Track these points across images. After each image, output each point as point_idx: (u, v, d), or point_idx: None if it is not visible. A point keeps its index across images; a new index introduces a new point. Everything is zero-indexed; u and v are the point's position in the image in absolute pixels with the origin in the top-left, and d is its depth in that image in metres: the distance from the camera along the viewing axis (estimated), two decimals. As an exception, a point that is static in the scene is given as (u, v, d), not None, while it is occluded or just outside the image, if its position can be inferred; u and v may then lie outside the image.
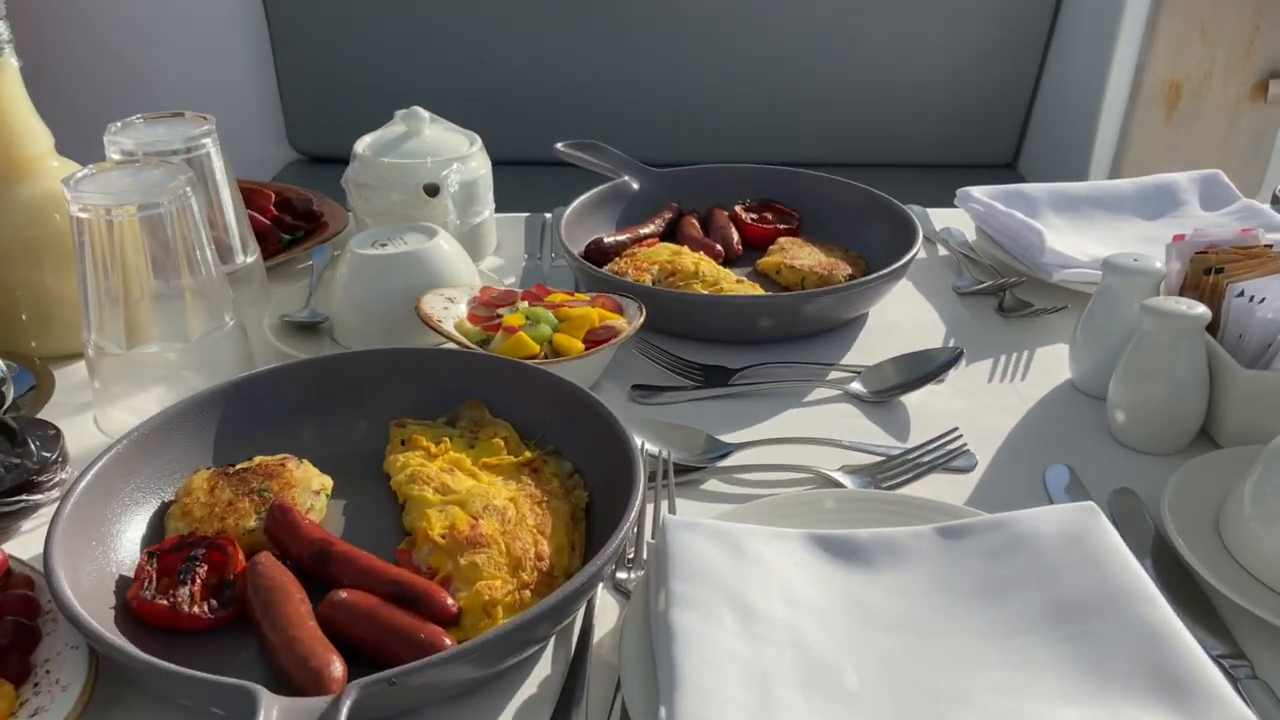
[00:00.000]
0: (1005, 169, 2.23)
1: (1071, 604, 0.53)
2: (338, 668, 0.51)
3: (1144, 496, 0.67)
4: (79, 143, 0.88)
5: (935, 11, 2.02)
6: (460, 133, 1.01)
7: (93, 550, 0.58)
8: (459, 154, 0.97)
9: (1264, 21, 1.82)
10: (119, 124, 0.80)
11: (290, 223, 1.01)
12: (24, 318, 0.81)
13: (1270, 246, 0.76)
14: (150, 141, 0.78)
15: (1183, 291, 0.76)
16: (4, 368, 0.72)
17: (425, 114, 0.99)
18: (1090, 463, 0.71)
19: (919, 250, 0.90)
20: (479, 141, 1.00)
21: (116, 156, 0.78)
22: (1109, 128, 1.93)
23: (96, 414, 0.75)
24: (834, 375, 0.82)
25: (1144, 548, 0.63)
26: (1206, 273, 0.74)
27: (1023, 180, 1.58)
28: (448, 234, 0.86)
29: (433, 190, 0.92)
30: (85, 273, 0.70)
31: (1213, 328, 0.72)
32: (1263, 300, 0.69)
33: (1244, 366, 0.68)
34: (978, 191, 1.03)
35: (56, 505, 0.58)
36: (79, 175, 0.70)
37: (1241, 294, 0.71)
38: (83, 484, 0.59)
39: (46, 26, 2.18)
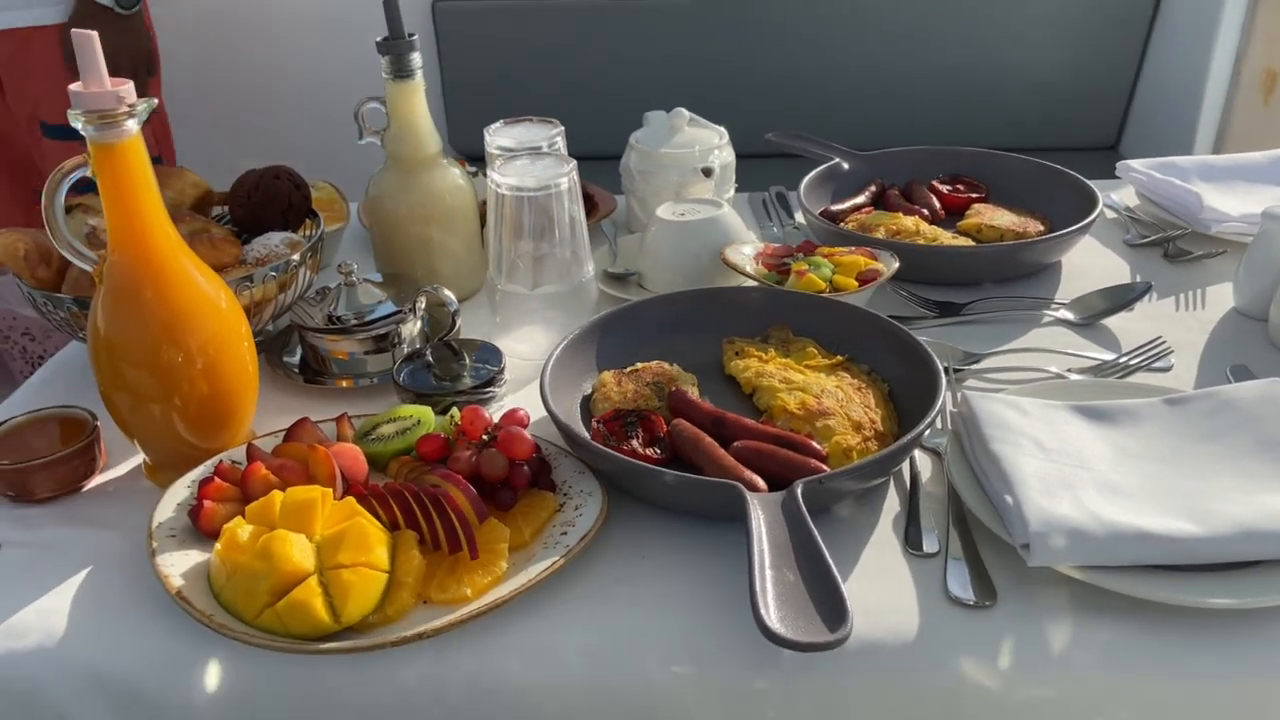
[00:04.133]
0: (1109, 150, 2.43)
1: (1273, 439, 0.75)
2: (759, 479, 0.75)
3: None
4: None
5: (1045, 9, 2.23)
6: (712, 128, 1.25)
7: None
8: (715, 144, 1.21)
9: (1359, 11, 2.00)
10: (493, 127, 1.06)
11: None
12: (420, 271, 1.08)
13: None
14: (525, 139, 1.04)
15: (1329, 233, 0.97)
16: (455, 300, 0.98)
17: (686, 113, 1.24)
18: (1259, 364, 0.93)
19: (1101, 209, 1.13)
20: (726, 134, 1.25)
21: (495, 152, 1.04)
22: (1211, 112, 2.12)
23: (498, 338, 1.01)
24: (1042, 306, 1.05)
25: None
26: (1349, 217, 0.95)
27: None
28: (729, 205, 1.11)
29: (709, 171, 1.16)
30: (500, 235, 0.96)
31: (1355, 259, 0.94)
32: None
33: (1383, 285, 0.90)
34: (1136, 164, 1.25)
35: (539, 387, 0.83)
36: (498, 165, 0.96)
37: (1378, 230, 0.92)
38: (547, 374, 0.85)
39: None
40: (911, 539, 0.74)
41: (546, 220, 0.96)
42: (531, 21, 2.31)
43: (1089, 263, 1.15)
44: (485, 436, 0.77)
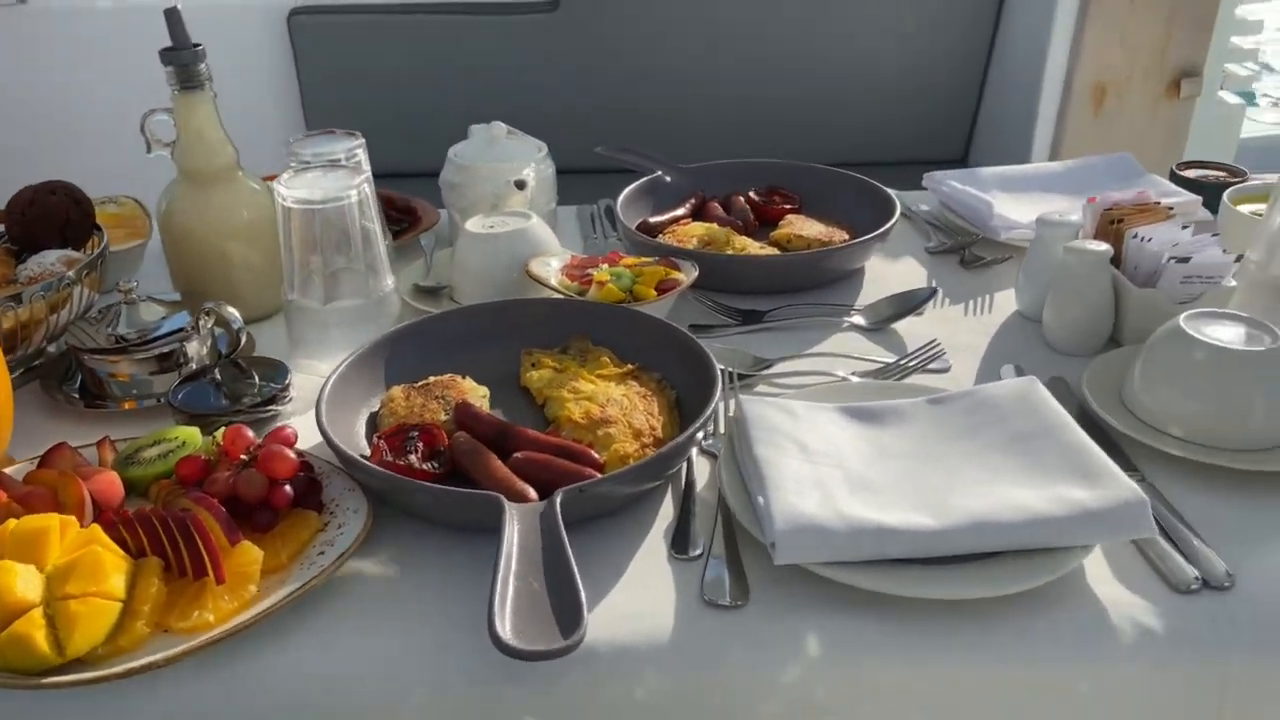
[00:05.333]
0: (958, 163, 2.53)
1: (1021, 434, 0.79)
2: (532, 490, 0.75)
3: (1071, 382, 0.93)
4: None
5: (893, 28, 2.31)
6: (531, 141, 1.26)
7: (339, 437, 0.82)
8: (533, 157, 1.22)
9: (1175, 29, 2.12)
10: (292, 139, 1.04)
11: (395, 215, 1.26)
12: (218, 288, 1.05)
13: (1159, 204, 1.03)
14: (322, 152, 1.03)
15: (1095, 237, 1.03)
16: (239, 317, 0.96)
17: (503, 126, 1.24)
18: (1032, 363, 0.98)
19: (898, 219, 1.17)
20: (546, 148, 1.25)
21: (294, 165, 1.03)
22: (1046, 124, 2.22)
23: (292, 354, 0.99)
24: (840, 313, 1.08)
25: (1071, 412, 0.89)
26: (1111, 223, 1.01)
27: (973, 170, 1.86)
28: (538, 217, 1.11)
29: (522, 184, 1.17)
30: (291, 249, 0.94)
31: (1116, 262, 0.99)
32: (1149, 240, 0.97)
33: (1137, 288, 0.96)
34: (939, 174, 1.30)
35: (316, 405, 0.82)
36: (285, 177, 0.94)
37: (1136, 236, 0.98)
38: (327, 390, 0.84)
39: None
40: (678, 543, 0.76)
41: (340, 234, 0.95)
42: (390, 33, 2.28)
43: (890, 270, 1.19)
44: (245, 456, 0.75)
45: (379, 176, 1.07)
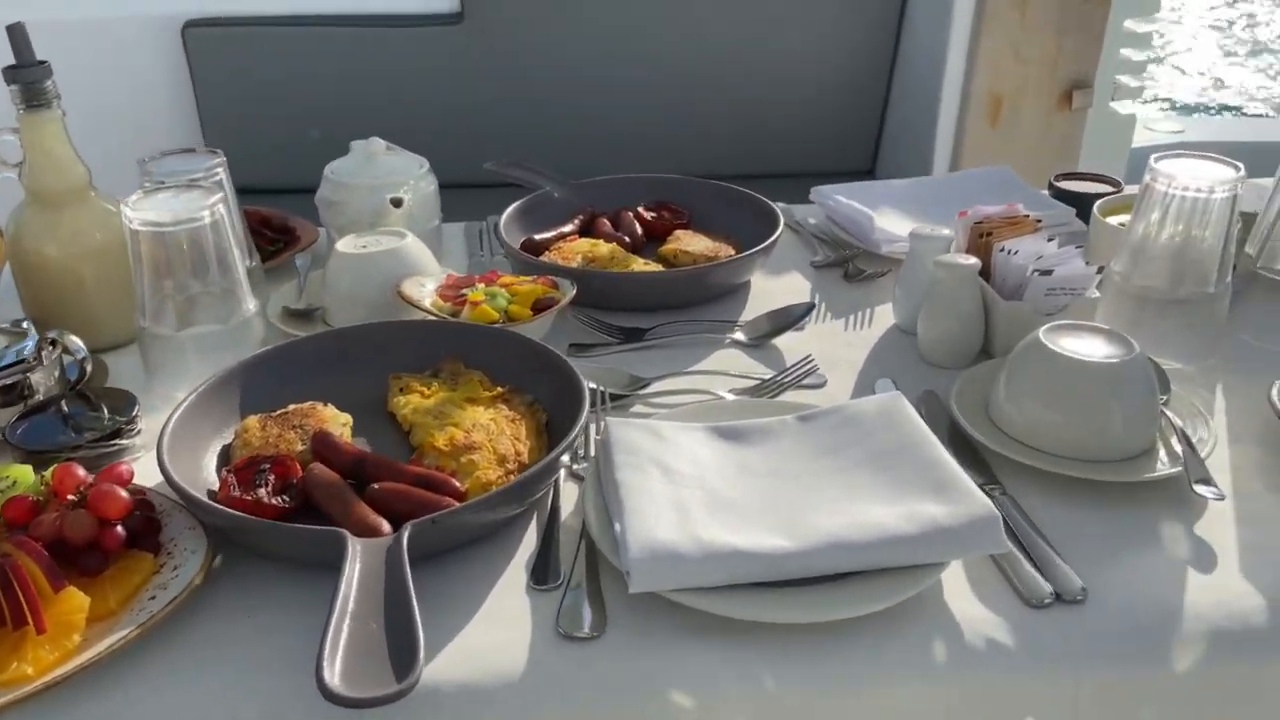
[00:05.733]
0: (866, 174, 2.56)
1: (882, 451, 0.79)
2: (386, 524, 0.73)
3: (943, 395, 0.94)
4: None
5: (796, 41, 2.33)
6: (411, 157, 1.23)
7: (185, 473, 0.79)
8: (413, 174, 1.19)
9: (1065, 42, 2.18)
10: (148, 158, 1.00)
11: (271, 235, 1.22)
12: (74, 314, 1.00)
13: (1028, 217, 1.05)
14: (178, 171, 0.99)
15: (967, 251, 1.04)
16: (83, 346, 0.91)
17: (381, 142, 1.21)
18: (908, 377, 0.98)
19: (781, 234, 1.17)
20: (427, 164, 1.23)
21: (149, 184, 0.98)
22: (945, 135, 2.26)
23: (148, 383, 0.94)
24: (723, 329, 1.07)
25: (943, 425, 0.90)
26: (981, 236, 1.02)
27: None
28: (414, 236, 1.09)
29: (398, 202, 1.14)
30: (142, 274, 0.90)
31: (986, 275, 1.00)
32: (1016, 252, 0.98)
33: (1005, 300, 0.97)
34: (826, 189, 1.31)
35: (158, 439, 0.78)
36: (134, 198, 0.90)
37: (1003, 249, 0.99)
38: (170, 424, 0.80)
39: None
40: (538, 573, 0.74)
41: (194, 257, 0.91)
42: (289, 45, 2.23)
43: (776, 285, 1.19)
44: (75, 496, 0.71)
45: (278, 192, 1.04)
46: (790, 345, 1.05)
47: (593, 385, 0.92)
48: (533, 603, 0.71)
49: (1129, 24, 2.18)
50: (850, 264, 1.21)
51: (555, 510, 0.80)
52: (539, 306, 1.00)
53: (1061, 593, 0.70)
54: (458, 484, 0.78)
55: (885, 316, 1.11)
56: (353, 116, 2.22)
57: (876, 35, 2.36)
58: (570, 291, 1.02)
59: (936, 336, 0.99)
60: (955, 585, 0.72)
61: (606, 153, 2.29)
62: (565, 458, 0.81)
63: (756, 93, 2.38)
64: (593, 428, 0.89)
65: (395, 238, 1.07)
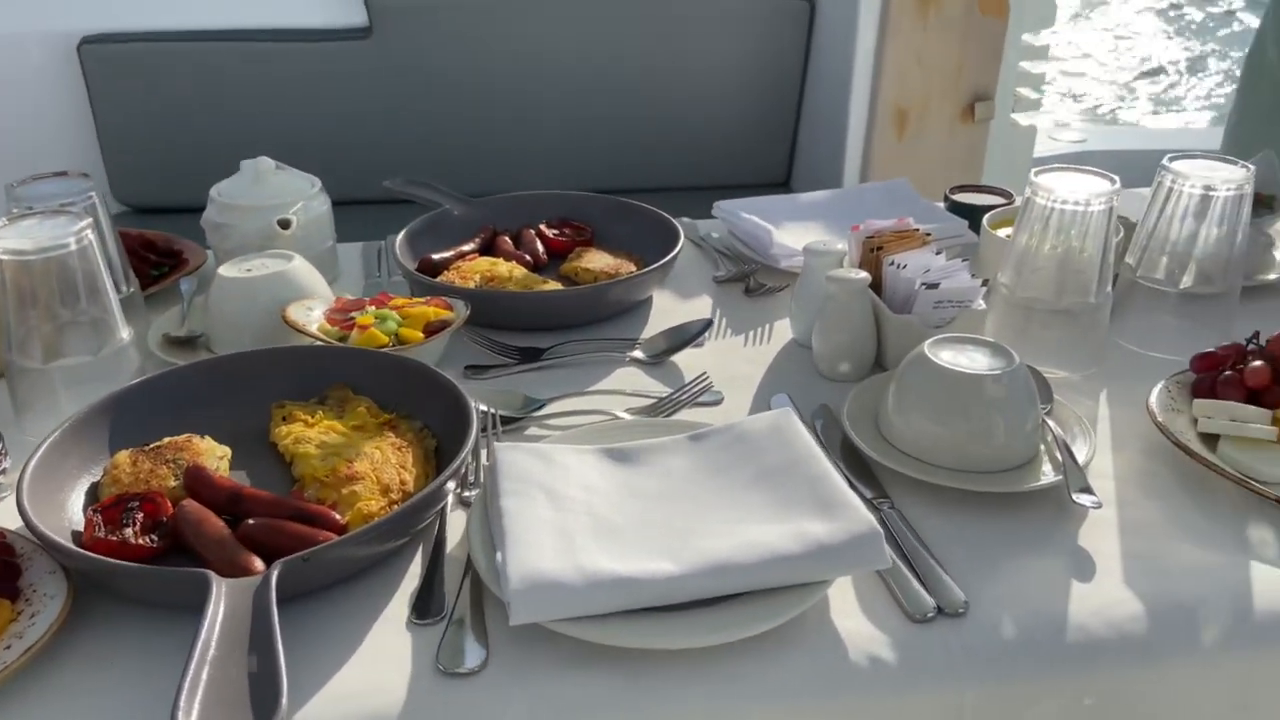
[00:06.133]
0: (782, 187, 2.58)
1: (771, 469, 0.79)
2: (259, 562, 0.70)
3: (838, 409, 0.94)
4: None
5: (706, 57, 2.34)
6: (303, 176, 1.20)
7: (48, 514, 0.75)
8: (304, 194, 1.16)
9: (967, 55, 2.23)
10: (15, 183, 0.96)
11: (155, 260, 1.18)
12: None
13: (917, 230, 1.06)
14: (48, 195, 0.94)
15: (859, 265, 1.05)
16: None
17: (270, 161, 1.18)
18: (804, 391, 0.98)
19: (681, 250, 1.17)
20: (319, 183, 1.20)
21: (16, 210, 0.94)
22: (855, 148, 2.29)
23: (18, 420, 0.90)
24: (623, 347, 1.06)
25: (836, 439, 0.90)
26: (872, 250, 1.03)
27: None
28: (302, 258, 1.06)
29: (286, 224, 1.11)
30: (6, 304, 0.86)
31: (878, 289, 1.01)
32: (904, 266, 0.99)
33: (895, 313, 0.98)
34: (728, 203, 1.31)
35: (18, 478, 0.74)
36: (-4, 224, 0.86)
37: (892, 263, 1.00)
38: (34, 461, 0.76)
39: None
40: (420, 607, 0.72)
41: (61, 285, 0.87)
42: (189, 62, 2.16)
43: (678, 301, 1.18)
44: (-81, 544, 0.67)
45: (180, 211, 0.99)
46: (689, 362, 1.05)
47: (483, 408, 0.90)
48: (414, 639, 0.69)
49: (1026, 37, 2.24)
50: (751, 279, 1.21)
51: (441, 541, 0.78)
52: (431, 329, 0.98)
53: (944, 606, 0.71)
54: (337, 517, 0.76)
55: (784, 331, 1.11)
56: (258, 134, 2.17)
57: (786, 49, 2.39)
58: (464, 312, 1.00)
59: (830, 350, 1.00)
60: (842, 602, 0.72)
61: (520, 169, 2.28)
62: (451, 485, 0.79)
63: (671, 108, 2.38)
64: (485, 453, 0.87)
65: (281, 260, 1.04)
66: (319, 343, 0.96)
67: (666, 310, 1.16)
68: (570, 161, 2.38)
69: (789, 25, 2.36)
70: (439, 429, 0.88)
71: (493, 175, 2.24)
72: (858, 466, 0.87)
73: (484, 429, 0.89)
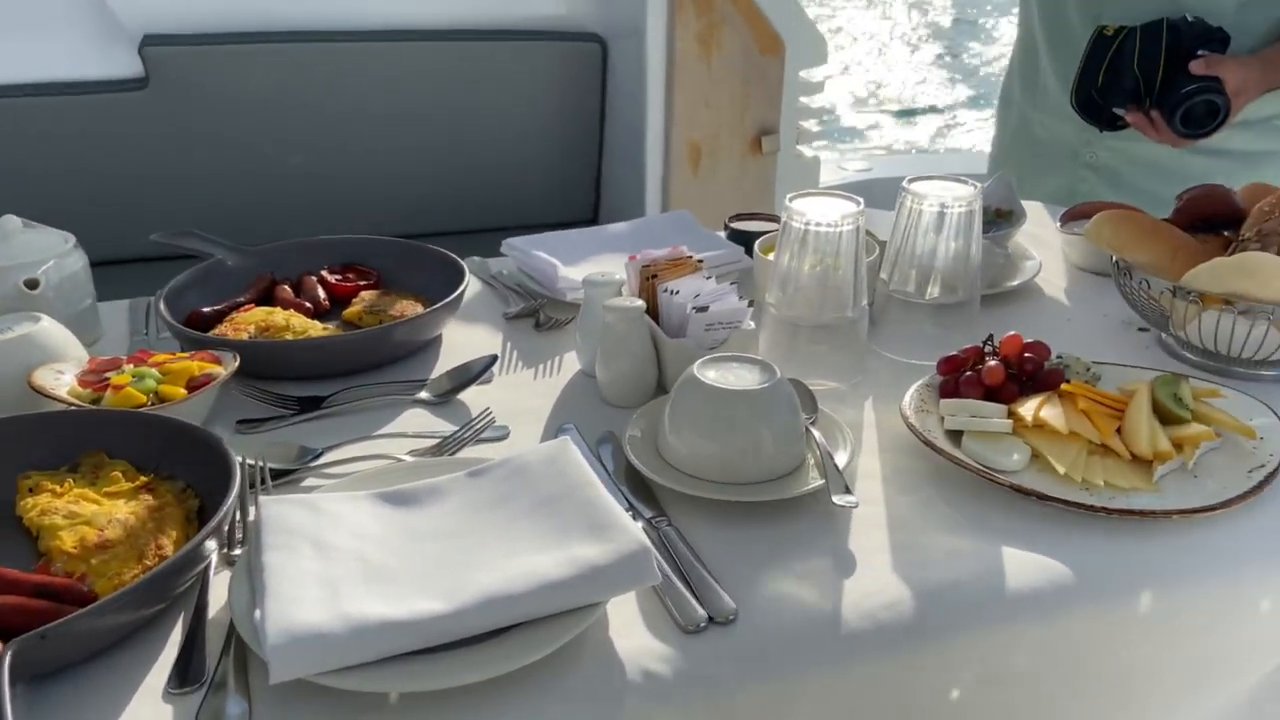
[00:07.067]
0: (591, 223, 2.63)
1: (547, 497, 0.79)
2: (-3, 644, 0.65)
3: (622, 434, 0.96)
4: None
5: (507, 98, 2.37)
6: (55, 233, 1.13)
7: None
8: (55, 252, 1.09)
9: (751, 92, 2.35)
10: None
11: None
12: None
13: (690, 257, 1.11)
14: None
15: (637, 293, 1.08)
16: None
17: (16, 219, 1.10)
18: (591, 420, 1.00)
19: (466, 288, 1.17)
20: (73, 239, 1.13)
21: None
22: (654, 183, 2.37)
23: None
24: (409, 389, 1.05)
25: (621, 463, 0.92)
26: (648, 279, 1.06)
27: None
28: (51, 319, 0.99)
29: (33, 284, 1.04)
30: None
31: (656, 316, 1.05)
32: (677, 292, 1.03)
33: (670, 338, 1.01)
34: (516, 240, 1.32)
35: None
36: None
37: (667, 290, 1.04)
38: None
39: None
40: (180, 675, 0.68)
41: None
42: None
43: (469, 340, 1.18)
44: None
45: None
46: (478, 400, 1.04)
47: (251, 462, 0.87)
48: (174, 708, 0.66)
49: (803, 74, 2.38)
50: (540, 313, 1.22)
51: (203, 605, 0.74)
52: (196, 384, 0.94)
53: (715, 615, 0.73)
54: (85, 589, 0.71)
55: (573, 363, 1.13)
56: (25, 193, 2.02)
57: (583, 90, 2.45)
58: (233, 364, 0.97)
59: (612, 377, 1.02)
60: (622, 620, 0.74)
61: (315, 219, 2.21)
62: (213, 545, 0.76)
63: (474, 151, 2.40)
64: (254, 509, 0.83)
65: (28, 322, 0.97)
66: (70, 407, 0.90)
67: (457, 350, 1.15)
68: (374, 210, 2.35)
69: (584, 66, 2.42)
70: (202, 488, 0.84)
71: (287, 227, 2.18)
72: (640, 488, 0.89)
73: (253, 484, 0.86)
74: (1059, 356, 0.99)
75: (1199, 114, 1.38)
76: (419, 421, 1.01)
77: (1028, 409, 0.91)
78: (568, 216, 2.58)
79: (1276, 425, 0.91)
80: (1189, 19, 1.40)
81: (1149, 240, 1.07)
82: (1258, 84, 1.41)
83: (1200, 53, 1.39)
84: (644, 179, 2.40)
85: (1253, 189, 1.15)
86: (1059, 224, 1.35)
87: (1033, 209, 1.46)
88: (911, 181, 1.09)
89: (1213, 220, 1.13)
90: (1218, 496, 0.83)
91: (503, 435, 0.97)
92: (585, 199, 2.60)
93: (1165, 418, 0.90)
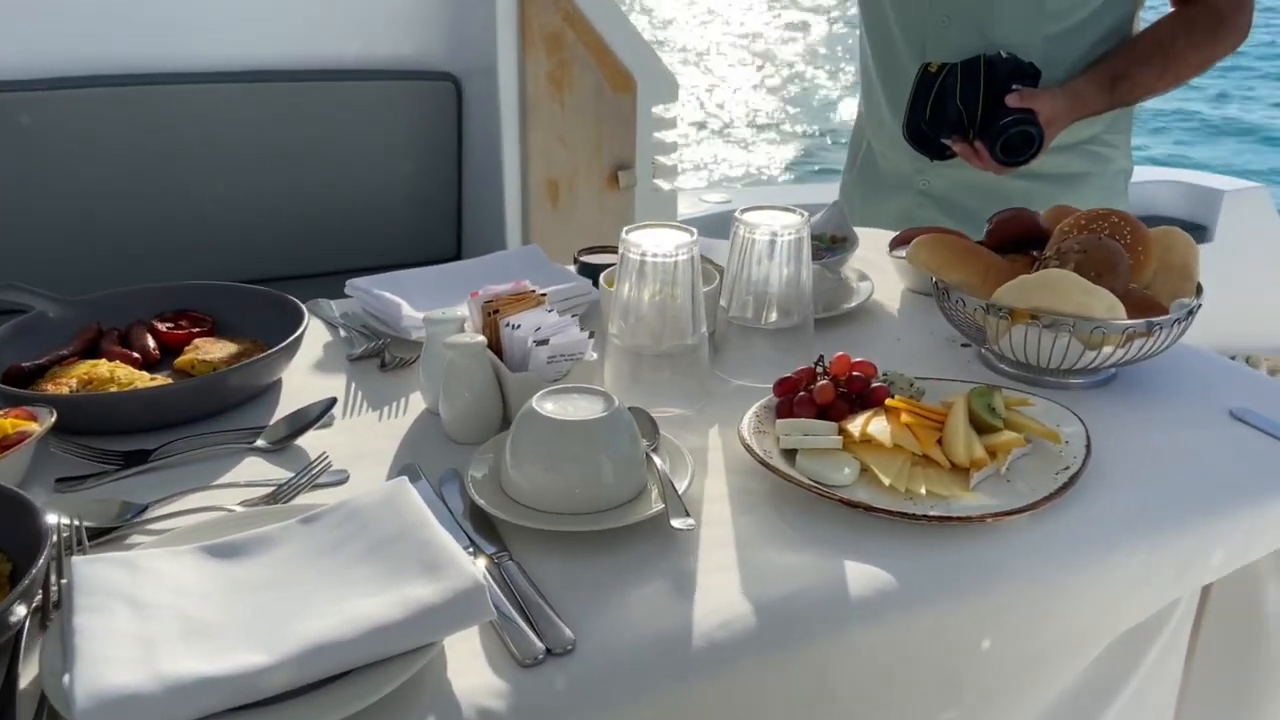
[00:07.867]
0: (453, 259, 2.61)
1: (381, 540, 0.78)
2: None
3: (465, 471, 0.96)
4: None
5: (362, 138, 2.34)
6: None
7: None
8: None
9: (604, 129, 2.39)
10: None
11: None
12: None
13: (533, 291, 1.11)
14: None
15: (481, 329, 1.08)
16: None
17: None
18: (436, 458, 0.99)
19: (306, 330, 1.14)
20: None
21: None
22: (514, 219, 2.38)
23: None
24: (244, 438, 1.02)
25: (467, 501, 0.91)
26: (490, 314, 1.07)
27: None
28: None
29: None
30: None
31: (500, 351, 1.05)
32: (518, 326, 1.03)
33: (513, 372, 1.01)
34: (360, 281, 1.30)
35: None
36: None
37: (508, 324, 1.04)
38: None
39: None
40: (-23, 755, 0.63)
41: None
42: None
43: (312, 384, 1.15)
44: None
45: None
46: (318, 444, 1.02)
47: (66, 521, 0.83)
48: (-31, 791, 0.61)
49: (656, 110, 2.44)
50: (385, 353, 1.21)
51: (14, 674, 0.70)
52: (8, 443, 0.89)
53: (553, 646, 0.73)
54: None
55: (419, 402, 1.12)
56: None
57: (439, 128, 2.44)
58: (49, 420, 0.92)
59: (456, 414, 1.02)
60: (462, 658, 0.73)
61: (160, 268, 2.14)
62: (22, 611, 0.71)
63: (331, 192, 2.36)
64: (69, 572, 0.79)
65: None
66: None
67: (298, 395, 1.12)
68: (228, 256, 2.28)
69: (438, 105, 2.42)
70: (15, 552, 0.79)
71: (129, 278, 2.09)
72: (483, 525, 0.88)
73: (69, 547, 0.81)
74: (885, 374, 1.04)
75: (1017, 143, 1.47)
76: (254, 470, 0.98)
77: (855, 425, 0.95)
78: (430, 255, 2.56)
79: (1080, 430, 0.98)
80: (1004, 55, 1.50)
81: (962, 261, 1.14)
82: (1067, 113, 1.52)
83: (1015, 87, 1.49)
84: (504, 216, 2.41)
85: (1055, 211, 1.24)
86: (889, 249, 1.42)
87: (871, 235, 1.53)
88: (744, 211, 1.13)
89: (1019, 241, 1.20)
90: (1028, 498, 0.88)
91: (341, 480, 0.95)
92: (447, 237, 2.59)
93: (981, 427, 0.95)
